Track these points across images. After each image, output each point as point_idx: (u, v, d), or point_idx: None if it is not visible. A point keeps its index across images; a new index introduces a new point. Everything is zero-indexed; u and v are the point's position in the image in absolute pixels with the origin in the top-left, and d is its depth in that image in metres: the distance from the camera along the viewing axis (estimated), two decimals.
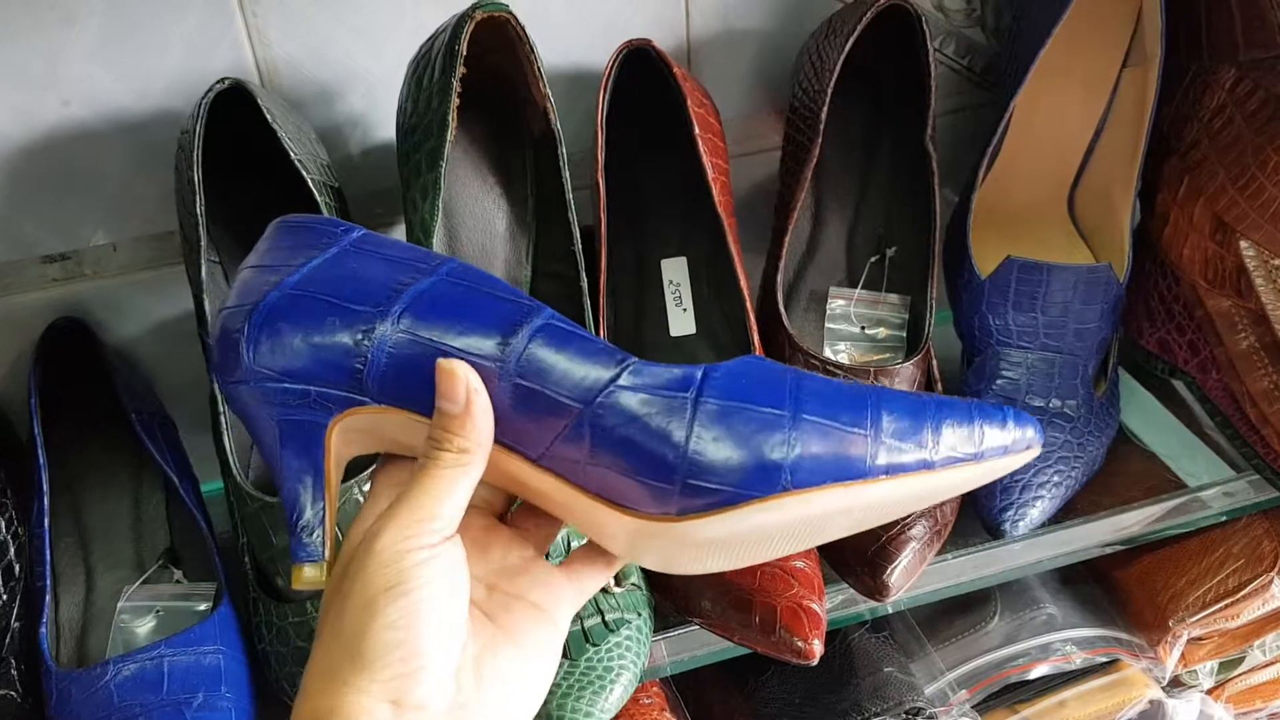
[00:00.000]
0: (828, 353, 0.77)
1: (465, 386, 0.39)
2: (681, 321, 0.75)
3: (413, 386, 0.40)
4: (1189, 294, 0.77)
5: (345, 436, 0.42)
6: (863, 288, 0.79)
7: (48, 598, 0.64)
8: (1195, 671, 0.90)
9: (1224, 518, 0.76)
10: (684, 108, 0.69)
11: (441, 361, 0.39)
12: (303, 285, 0.41)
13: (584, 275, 0.66)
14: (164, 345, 0.77)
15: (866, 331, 0.78)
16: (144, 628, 0.65)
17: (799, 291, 0.80)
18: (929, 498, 0.42)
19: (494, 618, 0.43)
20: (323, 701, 0.38)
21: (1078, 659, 0.85)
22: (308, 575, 0.43)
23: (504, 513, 0.47)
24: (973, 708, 0.84)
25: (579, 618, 0.61)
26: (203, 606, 0.65)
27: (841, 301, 0.78)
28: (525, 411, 0.40)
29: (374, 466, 0.45)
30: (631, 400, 0.40)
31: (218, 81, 0.62)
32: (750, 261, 0.73)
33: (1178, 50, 0.76)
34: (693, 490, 0.39)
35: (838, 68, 0.71)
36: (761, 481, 0.39)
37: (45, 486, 0.67)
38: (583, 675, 0.59)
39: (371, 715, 0.37)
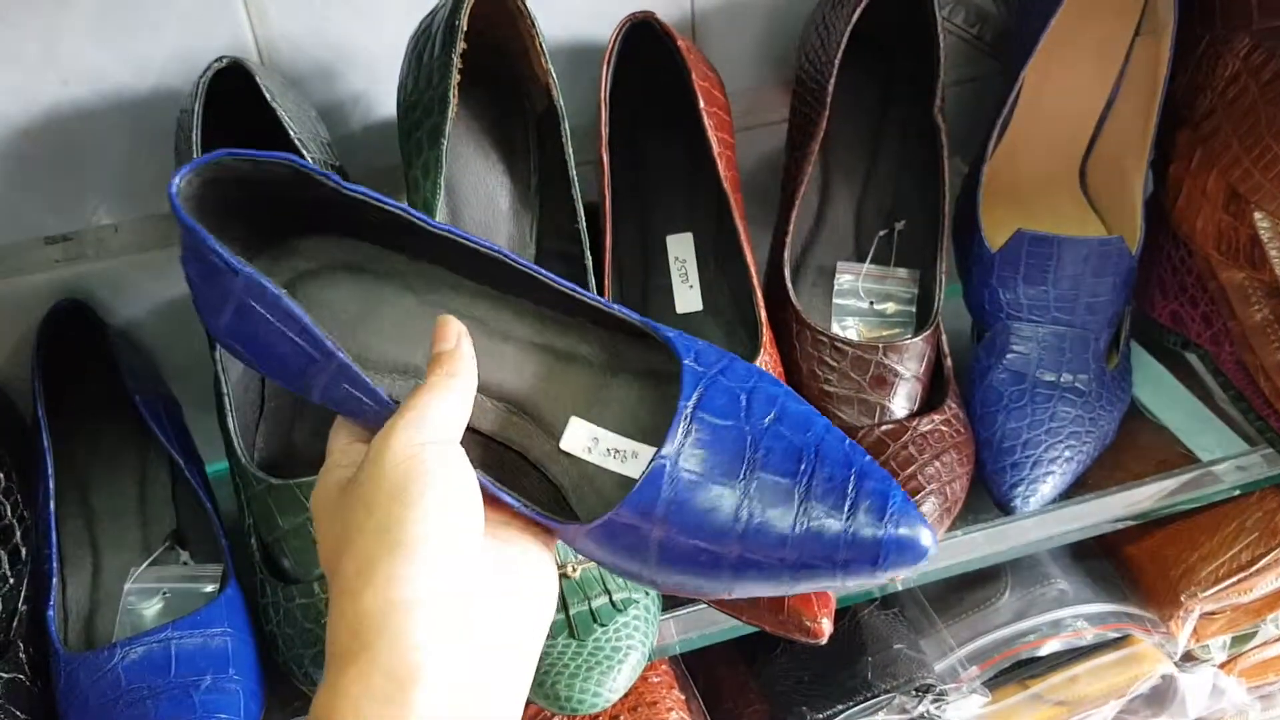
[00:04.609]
0: (835, 328, 0.76)
1: (457, 332, 0.45)
2: (688, 298, 0.75)
3: None
4: (1202, 266, 0.76)
5: None
6: (871, 262, 0.78)
7: (55, 580, 0.64)
8: (1207, 646, 0.90)
9: (1237, 492, 0.76)
10: (688, 81, 0.68)
11: (441, 317, 0.46)
12: None
13: (589, 253, 0.66)
14: (167, 326, 0.77)
15: (875, 307, 0.77)
16: (151, 610, 0.65)
17: (806, 267, 0.79)
18: None
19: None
20: (368, 598, 0.38)
21: (1089, 635, 0.85)
22: None
23: None
24: (983, 684, 0.84)
25: (586, 598, 0.61)
26: (209, 588, 0.65)
27: (849, 276, 0.78)
28: None
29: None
30: None
31: (216, 60, 0.62)
32: (757, 237, 0.73)
33: (1191, 19, 0.75)
34: None
35: (845, 38, 0.70)
36: None
37: (50, 469, 0.67)
38: (591, 655, 0.59)
39: (419, 603, 0.38)
